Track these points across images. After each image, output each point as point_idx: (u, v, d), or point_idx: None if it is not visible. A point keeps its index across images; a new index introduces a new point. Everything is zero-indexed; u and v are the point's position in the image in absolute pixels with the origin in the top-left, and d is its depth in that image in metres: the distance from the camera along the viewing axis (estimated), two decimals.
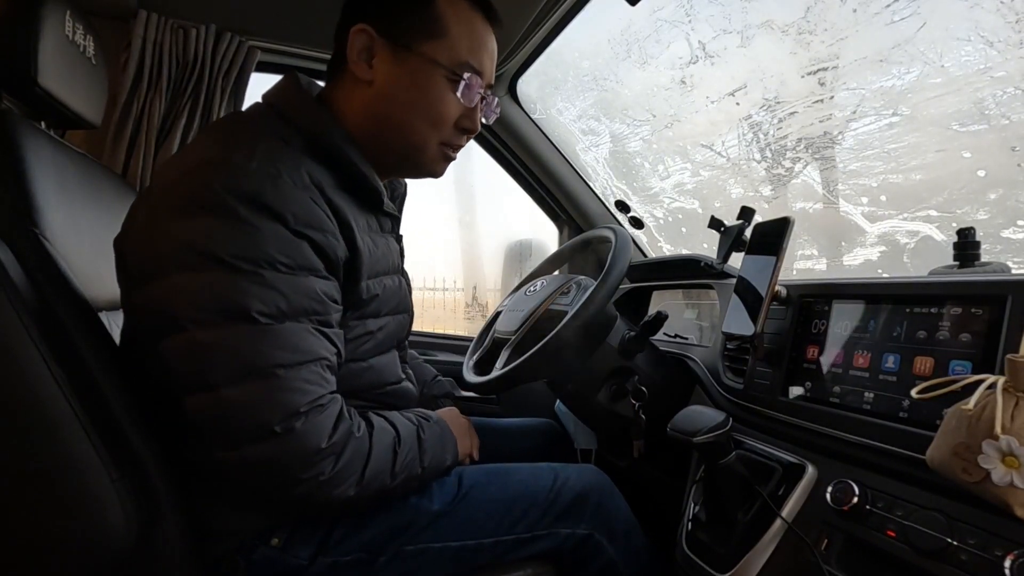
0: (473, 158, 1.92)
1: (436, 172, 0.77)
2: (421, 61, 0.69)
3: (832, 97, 1.17)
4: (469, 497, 0.74)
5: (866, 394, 0.67)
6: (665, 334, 1.22)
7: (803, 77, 1.18)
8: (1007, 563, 0.48)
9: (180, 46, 1.28)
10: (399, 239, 0.84)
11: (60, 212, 0.74)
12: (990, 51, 0.90)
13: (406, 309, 0.81)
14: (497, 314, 1.14)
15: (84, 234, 0.79)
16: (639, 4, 1.12)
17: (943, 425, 0.52)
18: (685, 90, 1.42)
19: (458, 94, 0.71)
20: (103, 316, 0.77)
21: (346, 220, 0.64)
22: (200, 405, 0.55)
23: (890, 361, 0.65)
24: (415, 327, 0.88)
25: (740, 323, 0.84)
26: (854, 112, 1.15)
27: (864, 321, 0.71)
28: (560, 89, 1.64)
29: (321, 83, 0.76)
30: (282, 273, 0.57)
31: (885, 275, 1.23)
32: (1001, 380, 0.48)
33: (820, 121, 1.21)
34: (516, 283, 1.21)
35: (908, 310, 0.66)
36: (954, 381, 0.53)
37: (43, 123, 0.91)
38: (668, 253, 1.70)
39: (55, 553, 0.56)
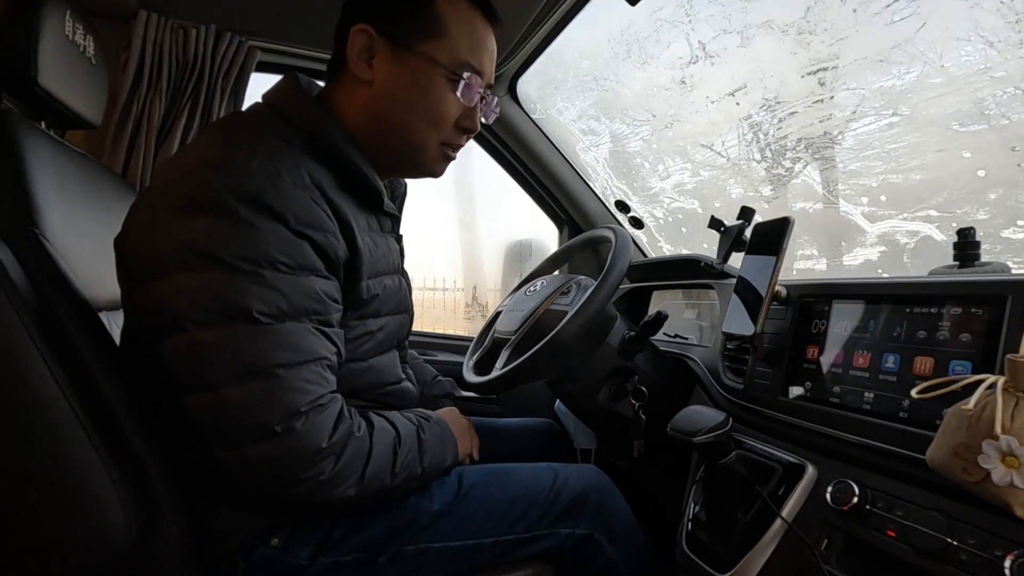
0: (473, 158, 1.92)
1: (436, 172, 0.78)
2: (421, 61, 0.69)
3: (832, 97, 1.17)
4: (469, 497, 0.74)
5: (866, 394, 0.67)
6: (665, 334, 1.22)
7: (803, 77, 1.18)
8: (1007, 563, 0.48)
9: (180, 46, 1.28)
10: (399, 239, 0.84)
11: (60, 212, 0.74)
12: (990, 51, 0.90)
13: (406, 309, 0.81)
14: (497, 314, 1.14)
15: (84, 234, 0.79)
16: (639, 4, 1.12)
17: (943, 425, 0.52)
18: (685, 90, 1.42)
19: (458, 94, 0.71)
20: (103, 316, 0.77)
21: (346, 220, 0.64)
22: (200, 405, 0.55)
23: (890, 361, 0.65)
24: (415, 327, 0.88)
25: (740, 323, 0.84)
26: (854, 112, 1.15)
27: (864, 321, 0.71)
28: (560, 89, 1.64)
29: (321, 83, 0.76)
30: (283, 273, 0.57)
31: (885, 275, 1.23)
32: (1001, 380, 0.48)
33: (820, 121, 1.21)
34: (516, 283, 1.21)
35: (908, 310, 0.66)
36: (954, 381, 0.53)
37: (43, 123, 0.90)
38: (668, 253, 1.70)
39: (55, 553, 0.56)
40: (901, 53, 1.00)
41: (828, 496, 0.65)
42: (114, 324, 0.81)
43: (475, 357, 1.10)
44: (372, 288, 0.70)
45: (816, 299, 0.79)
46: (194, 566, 0.61)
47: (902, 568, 0.56)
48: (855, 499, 0.62)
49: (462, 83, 0.70)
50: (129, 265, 0.61)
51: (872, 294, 0.71)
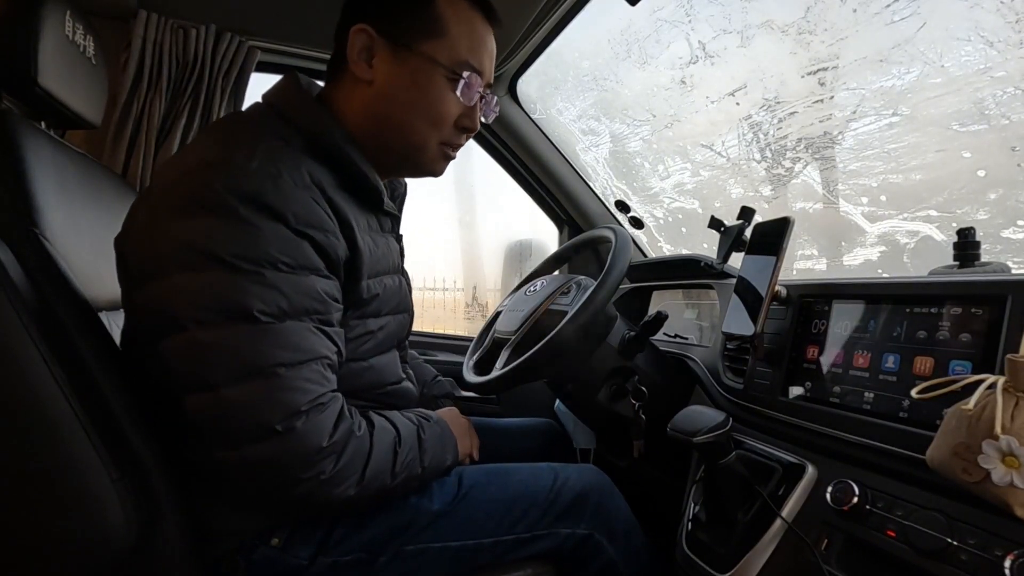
0: (473, 158, 1.92)
1: (436, 171, 0.78)
2: (421, 61, 0.69)
3: (832, 97, 1.17)
4: (469, 497, 0.74)
5: (866, 394, 0.67)
6: (665, 334, 1.22)
7: (803, 77, 1.18)
8: (1007, 563, 0.48)
9: (180, 46, 1.28)
10: (399, 239, 0.84)
11: (60, 212, 0.74)
12: (990, 51, 0.90)
13: (406, 309, 0.81)
14: (497, 314, 1.14)
15: (84, 234, 0.79)
16: (639, 4, 1.12)
17: (943, 425, 0.52)
18: (685, 90, 1.42)
19: (457, 93, 0.71)
20: (103, 316, 0.77)
21: (346, 219, 0.64)
22: (200, 405, 0.55)
23: (890, 361, 0.65)
24: (415, 327, 0.88)
25: (740, 323, 0.84)
26: (854, 112, 1.15)
27: (864, 321, 0.71)
28: (560, 89, 1.64)
29: (321, 83, 0.76)
30: (283, 272, 0.57)
31: (885, 275, 1.23)
32: (1001, 380, 0.48)
33: (820, 121, 1.21)
34: (516, 283, 1.21)
35: (908, 310, 0.66)
36: (954, 381, 0.53)
37: (43, 123, 0.90)
38: (668, 253, 1.70)
39: (55, 553, 0.56)
40: (901, 53, 1.00)
41: (828, 496, 0.65)
42: (114, 324, 0.81)
43: (475, 357, 1.10)
44: (372, 288, 0.70)
45: (816, 299, 0.79)
46: (194, 566, 0.61)
47: (902, 568, 0.56)
48: (855, 499, 0.62)
49: (462, 82, 0.70)
50: (129, 265, 0.61)
51: (872, 294, 0.71)
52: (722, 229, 1.15)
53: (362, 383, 0.72)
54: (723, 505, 0.74)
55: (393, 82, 0.69)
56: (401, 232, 0.86)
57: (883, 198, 1.18)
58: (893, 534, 0.57)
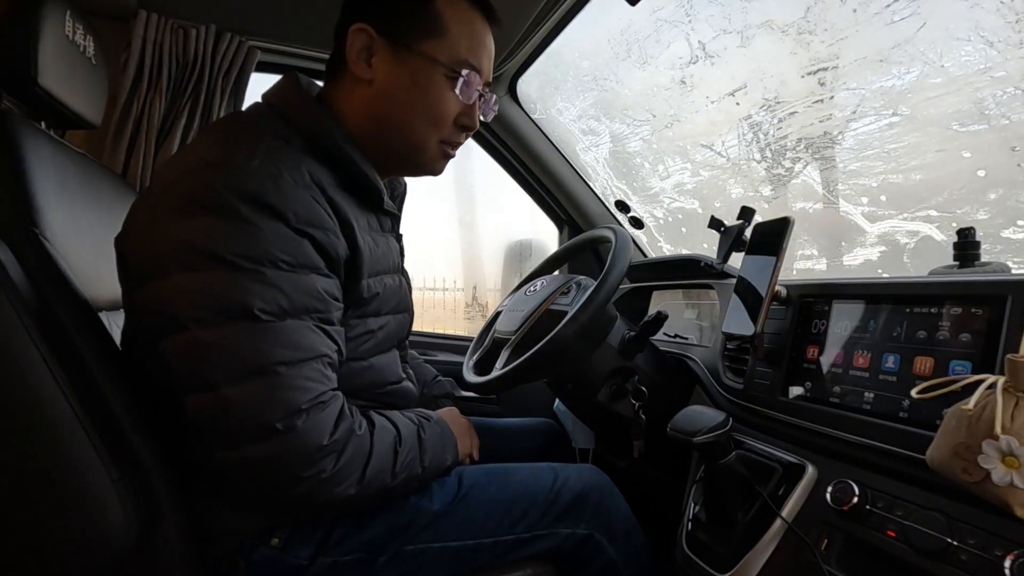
0: (473, 158, 1.92)
1: (436, 170, 0.78)
2: (421, 60, 0.69)
3: (832, 97, 1.17)
4: (469, 497, 0.74)
5: (866, 394, 0.67)
6: (665, 334, 1.22)
7: (803, 77, 1.18)
8: (1007, 563, 0.48)
9: (180, 46, 1.28)
10: (399, 238, 0.84)
11: (60, 212, 0.74)
12: (990, 51, 0.90)
13: (406, 308, 0.81)
14: (497, 314, 1.14)
15: (84, 234, 0.79)
16: (639, 4, 1.12)
17: (943, 425, 0.52)
18: (685, 90, 1.42)
19: (456, 91, 0.71)
20: (103, 316, 0.77)
21: (347, 218, 0.64)
22: (201, 404, 0.55)
23: (890, 361, 0.65)
24: (415, 327, 0.88)
25: (740, 323, 0.84)
26: (854, 112, 1.15)
27: (864, 321, 0.71)
28: (560, 89, 1.64)
29: (320, 83, 0.76)
30: (283, 271, 0.57)
31: (885, 275, 1.23)
32: (1001, 380, 0.48)
33: (820, 121, 1.21)
34: (516, 283, 1.21)
35: (908, 310, 0.66)
36: (954, 381, 0.53)
37: (43, 123, 0.90)
38: (668, 253, 1.70)
39: (55, 553, 0.56)
40: (901, 53, 1.00)
41: (828, 496, 0.65)
42: (114, 324, 0.81)
43: (475, 357, 1.10)
44: (372, 287, 0.70)
45: (816, 299, 0.79)
46: (194, 566, 0.61)
47: (902, 568, 0.56)
48: (855, 499, 0.62)
49: (461, 81, 0.70)
50: (129, 265, 0.61)
51: (872, 294, 0.71)
52: (722, 229, 1.15)
53: (362, 382, 0.72)
54: (723, 505, 0.74)
55: (393, 81, 0.69)
56: (401, 232, 0.86)
57: (883, 198, 1.18)
58: (893, 534, 0.57)
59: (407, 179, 0.89)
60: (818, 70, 1.15)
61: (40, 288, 0.59)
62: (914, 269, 1.15)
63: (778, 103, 1.26)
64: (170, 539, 0.59)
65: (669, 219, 1.70)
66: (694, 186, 1.60)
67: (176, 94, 1.30)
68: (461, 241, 3.21)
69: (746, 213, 1.08)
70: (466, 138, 0.77)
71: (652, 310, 1.34)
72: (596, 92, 1.63)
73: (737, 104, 1.32)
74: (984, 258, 0.71)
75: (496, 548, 0.73)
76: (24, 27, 0.72)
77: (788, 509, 0.68)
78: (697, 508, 0.81)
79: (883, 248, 1.21)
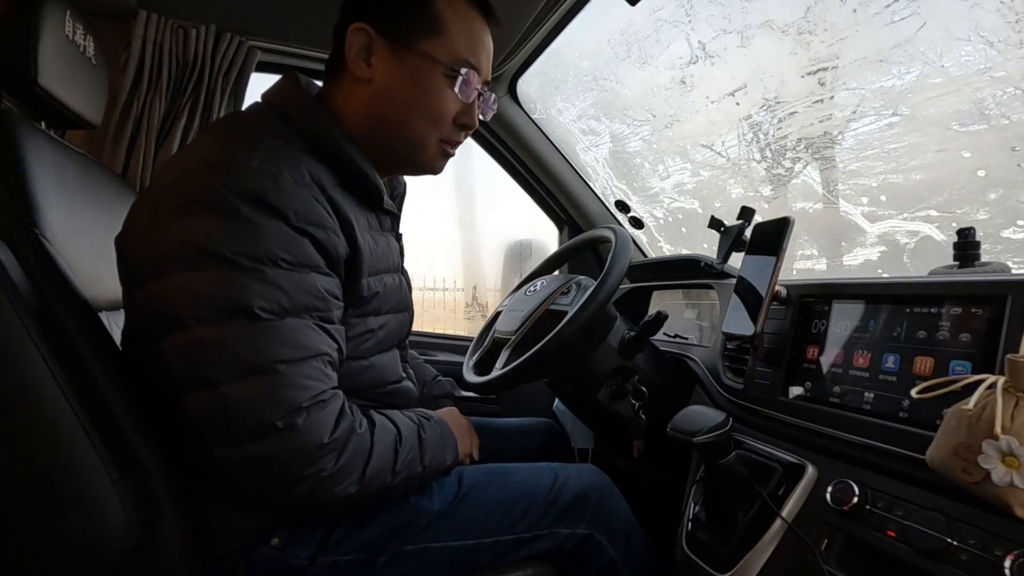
0: (473, 158, 1.92)
1: (435, 169, 0.78)
2: (420, 59, 0.69)
3: (832, 97, 1.17)
4: (469, 497, 0.74)
5: (866, 394, 0.67)
6: (665, 334, 1.22)
7: (803, 77, 1.18)
8: (1007, 563, 0.48)
9: (180, 46, 1.28)
10: (399, 237, 0.84)
11: (60, 212, 0.74)
12: (990, 51, 0.90)
13: (406, 307, 0.81)
14: (497, 314, 1.14)
15: (84, 234, 0.79)
16: (639, 4, 1.12)
17: (943, 425, 0.52)
18: (685, 90, 1.42)
19: (456, 90, 0.71)
20: (103, 316, 0.77)
21: (346, 217, 0.64)
22: (201, 403, 0.55)
23: (890, 361, 0.65)
24: (415, 327, 0.88)
25: (740, 323, 0.84)
26: (854, 112, 1.15)
27: (864, 321, 0.71)
28: (560, 89, 1.64)
29: (319, 83, 0.76)
30: (283, 270, 0.57)
31: (885, 275, 1.23)
32: (1001, 380, 0.48)
33: (820, 121, 1.21)
34: (516, 283, 1.21)
35: (908, 310, 0.66)
36: (954, 381, 0.53)
37: (43, 123, 0.91)
38: (668, 253, 1.70)
39: (55, 553, 0.56)
40: (901, 53, 1.00)
41: (828, 496, 0.65)
42: (114, 324, 0.81)
43: (475, 357, 1.10)
44: (372, 286, 0.70)
45: (816, 299, 0.79)
46: (194, 566, 0.61)
47: (902, 568, 0.56)
48: (855, 499, 0.62)
49: (460, 79, 0.70)
50: (130, 265, 0.61)
51: (872, 294, 0.71)
52: (722, 229, 1.15)
53: (362, 382, 0.72)
54: (723, 505, 0.74)
55: (392, 81, 0.69)
56: (401, 231, 0.86)
57: (883, 198, 1.18)
58: (893, 534, 0.57)
59: (407, 178, 0.89)
60: (818, 70, 1.15)
61: (40, 288, 0.59)
62: (914, 269, 1.15)
63: (778, 103, 1.26)
64: (170, 539, 0.59)
65: (669, 219, 1.70)
66: (694, 186, 1.60)
67: (176, 94, 1.30)
68: (461, 241, 3.21)
69: (746, 213, 1.08)
70: (465, 137, 0.77)
71: (652, 310, 1.34)
72: (596, 92, 1.63)
73: (737, 104, 1.32)
74: (984, 258, 0.71)
75: (496, 548, 0.73)
76: (24, 27, 0.72)
77: (788, 509, 0.68)
78: (697, 508, 0.81)
79: (883, 248, 1.21)
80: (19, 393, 0.53)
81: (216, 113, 1.32)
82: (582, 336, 0.86)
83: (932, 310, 0.63)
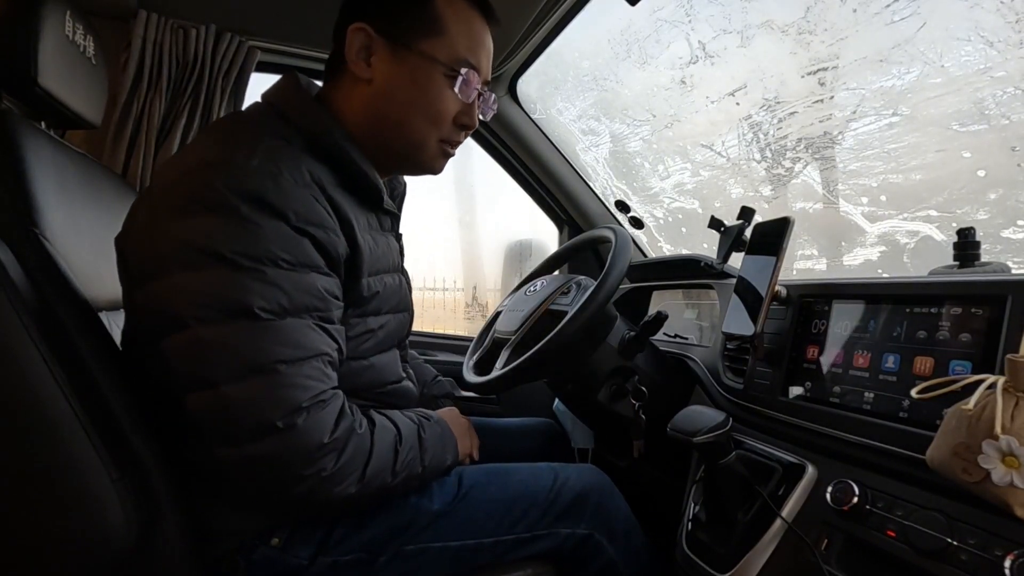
0: (473, 158, 1.92)
1: (435, 169, 0.78)
2: (420, 59, 0.69)
3: (832, 97, 1.17)
4: (469, 497, 0.74)
5: (866, 394, 0.67)
6: (665, 334, 1.22)
7: (803, 77, 1.18)
8: (1007, 563, 0.48)
9: (180, 46, 1.28)
10: (399, 237, 0.84)
11: (60, 212, 0.74)
12: (990, 51, 0.90)
13: (406, 307, 0.81)
14: (497, 314, 1.14)
15: (84, 234, 0.79)
16: (639, 4, 1.12)
17: (943, 425, 0.52)
18: (685, 90, 1.42)
19: (456, 90, 0.71)
20: (103, 316, 0.77)
21: (347, 217, 0.64)
22: (201, 403, 0.55)
23: (890, 361, 0.65)
24: (415, 327, 0.88)
25: (740, 323, 0.84)
26: (854, 112, 1.15)
27: (864, 321, 0.71)
28: (560, 89, 1.64)
29: (319, 83, 0.76)
30: (283, 270, 0.57)
31: (885, 275, 1.23)
32: (1001, 380, 0.48)
33: (820, 121, 1.21)
34: (516, 283, 1.21)
35: (908, 310, 0.66)
36: (954, 381, 0.53)
37: (43, 123, 0.90)
38: (668, 253, 1.70)
39: (55, 553, 0.56)
40: (901, 53, 1.00)
41: (828, 496, 0.65)
42: (114, 324, 0.81)
43: (475, 357, 1.10)
44: (372, 286, 0.70)
45: (816, 299, 0.79)
46: (194, 566, 0.61)
47: (902, 568, 0.56)
48: (855, 499, 0.62)
49: (460, 79, 0.70)
50: (130, 265, 0.61)
51: (872, 294, 0.71)
52: (722, 229, 1.15)
53: (362, 382, 0.72)
54: (723, 505, 0.74)
55: (392, 80, 0.69)
56: (400, 231, 0.86)
57: (883, 198, 1.18)
58: (893, 534, 0.57)
59: (407, 178, 0.89)
60: (818, 70, 1.15)
61: (40, 288, 0.59)
62: (914, 269, 1.15)
63: (778, 103, 1.26)
64: (170, 539, 0.59)
65: (669, 219, 1.70)
66: (694, 186, 1.60)
67: (176, 94, 1.30)
68: (461, 241, 3.21)
69: (746, 213, 1.08)
70: (465, 137, 0.77)
71: (652, 310, 1.34)
72: (596, 92, 1.63)
73: (737, 104, 1.32)
74: (984, 258, 0.71)
75: (496, 548, 0.73)
76: (24, 27, 0.72)
77: (788, 509, 0.68)
78: (697, 508, 0.81)
79: (883, 248, 1.21)
80: (19, 393, 0.53)
81: (216, 113, 1.32)
82: (582, 336, 0.86)
83: (932, 310, 0.63)
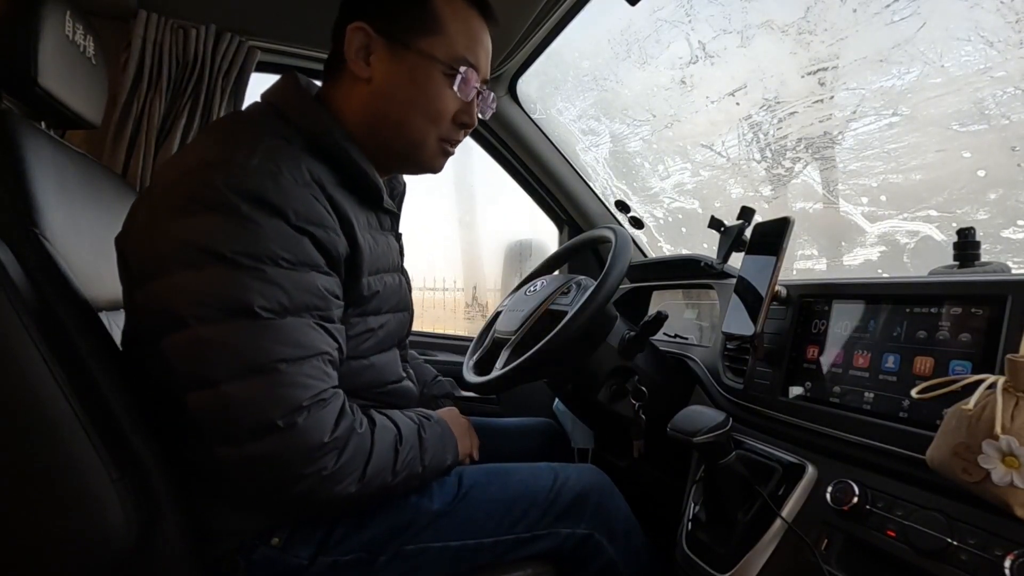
0: (473, 158, 1.92)
1: (435, 168, 0.78)
2: (419, 57, 0.69)
3: (832, 97, 1.17)
4: (469, 497, 0.74)
5: (866, 394, 0.67)
6: (665, 334, 1.22)
7: (803, 77, 1.18)
8: (1007, 563, 0.48)
9: (180, 46, 1.28)
10: (398, 237, 0.84)
11: (60, 212, 0.74)
12: (990, 51, 0.90)
13: (406, 307, 0.81)
14: (497, 314, 1.14)
15: (84, 234, 0.79)
16: (639, 4, 1.12)
17: (943, 425, 0.52)
18: (685, 90, 1.42)
19: (455, 88, 0.71)
20: (103, 316, 0.77)
21: (346, 217, 0.64)
22: (201, 402, 0.55)
23: (890, 361, 0.65)
24: (415, 327, 0.88)
25: (740, 323, 0.84)
26: (854, 112, 1.15)
27: (864, 321, 0.71)
28: (560, 89, 1.64)
29: (318, 83, 0.76)
30: (283, 269, 0.57)
31: (885, 275, 1.23)
32: (1001, 380, 0.48)
33: (820, 121, 1.21)
34: (516, 283, 1.21)
35: (908, 310, 0.66)
36: (954, 381, 0.53)
37: (43, 123, 0.91)
38: (668, 253, 1.70)
39: (55, 553, 0.56)
40: (901, 53, 1.00)
41: (828, 496, 0.65)
42: (114, 324, 0.81)
43: (475, 357, 1.10)
44: (373, 285, 0.70)
45: (816, 299, 0.79)
46: (194, 566, 0.61)
47: (902, 568, 0.56)
48: (855, 499, 0.62)
49: (459, 78, 0.70)
50: (130, 264, 0.61)
51: (872, 294, 0.71)
52: (722, 229, 1.15)
53: (363, 381, 0.72)
54: (723, 505, 0.74)
55: (391, 79, 0.69)
56: (400, 231, 0.86)
57: (883, 198, 1.18)
58: (893, 534, 0.57)
59: (406, 177, 0.89)
60: (818, 70, 1.15)
61: (40, 288, 0.59)
62: (914, 269, 1.15)
63: (778, 103, 1.26)
64: (170, 539, 0.59)
65: (669, 219, 1.70)
66: (694, 186, 1.60)
67: (176, 94, 1.30)
68: (461, 241, 3.21)
69: (746, 213, 1.08)
70: (465, 135, 0.77)
71: (652, 310, 1.34)
72: (596, 92, 1.63)
73: (737, 104, 1.32)
74: (984, 258, 0.71)
75: (496, 548, 0.73)
76: (24, 27, 0.72)
77: (788, 509, 0.68)
78: (697, 508, 0.81)
79: (883, 248, 1.21)
80: (19, 393, 0.53)
81: (216, 113, 1.32)
82: (582, 336, 0.86)
83: (932, 310, 0.63)
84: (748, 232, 1.06)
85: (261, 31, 1.35)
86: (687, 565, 0.77)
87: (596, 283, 0.88)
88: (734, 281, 0.92)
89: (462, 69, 0.70)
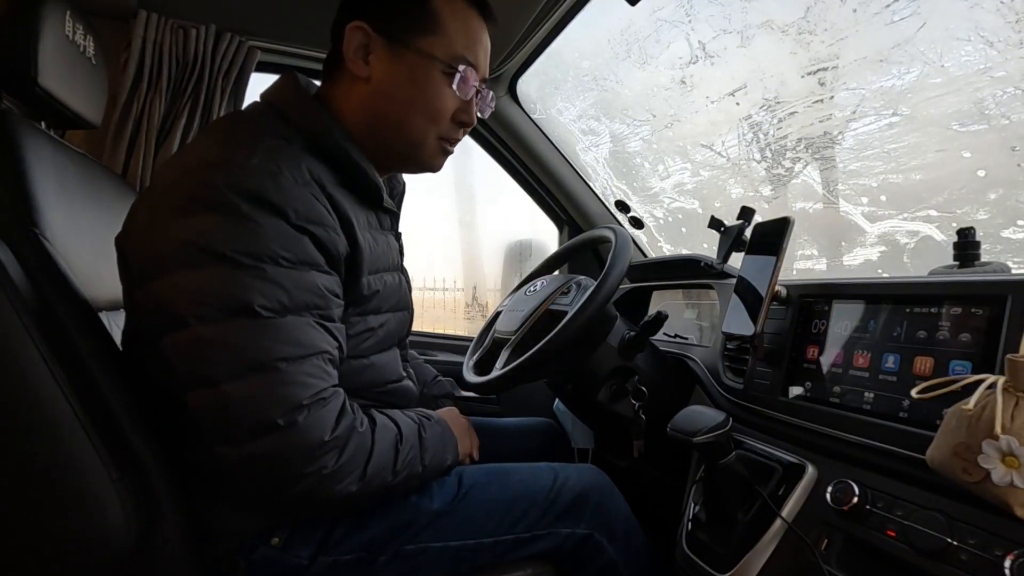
0: (473, 157, 1.92)
1: (434, 167, 0.78)
2: (418, 56, 0.69)
3: (832, 97, 1.17)
4: (469, 497, 0.74)
5: (866, 394, 0.67)
6: (665, 334, 1.22)
7: (803, 77, 1.18)
8: (1007, 563, 0.48)
9: (180, 46, 1.28)
10: (398, 236, 0.84)
11: (60, 212, 0.74)
12: (990, 51, 0.90)
13: (406, 306, 0.81)
14: (497, 314, 1.14)
15: (84, 234, 0.79)
16: (639, 4, 1.12)
17: (943, 425, 0.52)
18: (685, 90, 1.42)
19: (454, 87, 0.71)
20: (103, 316, 0.78)
21: (346, 216, 0.64)
22: (202, 401, 0.55)
23: (890, 361, 0.65)
24: (415, 327, 0.88)
25: (740, 323, 0.84)
26: (854, 112, 1.15)
27: (864, 321, 0.71)
28: (560, 89, 1.64)
29: (318, 82, 0.76)
30: (283, 268, 0.57)
31: (885, 275, 1.23)
32: (1001, 380, 0.48)
33: (820, 121, 1.21)
34: (516, 283, 1.21)
35: (908, 310, 0.66)
36: (954, 381, 0.53)
37: (43, 123, 0.91)
38: (668, 253, 1.70)
39: (55, 553, 0.56)
40: (901, 53, 1.00)
41: (828, 496, 0.65)
42: (114, 324, 0.81)
43: (475, 357, 1.10)
44: (373, 284, 0.70)
45: (816, 299, 0.79)
46: (194, 566, 0.62)
47: (902, 568, 0.56)
48: (855, 499, 0.62)
49: (458, 76, 0.71)
50: (130, 264, 0.61)
51: (872, 294, 0.71)
52: (722, 229, 1.15)
53: (363, 381, 0.72)
54: (723, 505, 0.74)
55: (390, 79, 0.69)
56: (400, 230, 0.86)
57: (883, 198, 1.18)
58: (893, 534, 0.57)
59: (406, 176, 0.89)
60: (818, 70, 1.15)
61: (40, 288, 0.59)
62: (914, 269, 1.15)
63: (778, 103, 1.26)
64: (170, 539, 0.59)
65: (669, 219, 1.70)
66: (694, 186, 1.60)
67: (176, 94, 1.30)
68: (461, 241, 3.21)
69: (746, 213, 1.08)
70: (464, 134, 0.77)
71: (652, 310, 1.34)
72: (596, 92, 1.63)
73: (737, 104, 1.32)
74: (984, 258, 0.71)
75: (496, 548, 0.73)
76: (24, 27, 0.72)
77: (788, 509, 0.68)
78: (697, 508, 0.81)
79: (883, 248, 1.21)
80: (19, 393, 0.53)
81: (216, 113, 1.32)
82: (582, 336, 0.86)
83: (932, 310, 0.63)
84: (748, 232, 1.06)
85: (261, 31, 1.35)
86: (687, 565, 0.77)
87: (596, 283, 0.88)
88: (734, 281, 0.92)
89: (461, 68, 0.70)
